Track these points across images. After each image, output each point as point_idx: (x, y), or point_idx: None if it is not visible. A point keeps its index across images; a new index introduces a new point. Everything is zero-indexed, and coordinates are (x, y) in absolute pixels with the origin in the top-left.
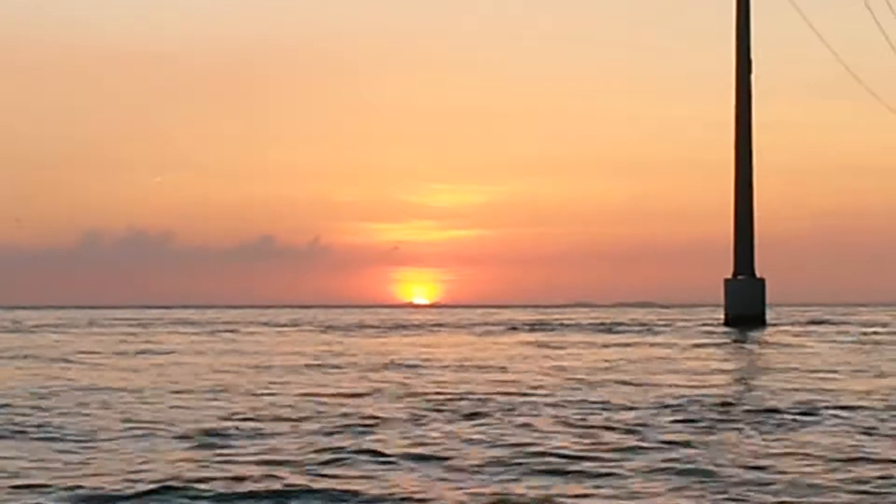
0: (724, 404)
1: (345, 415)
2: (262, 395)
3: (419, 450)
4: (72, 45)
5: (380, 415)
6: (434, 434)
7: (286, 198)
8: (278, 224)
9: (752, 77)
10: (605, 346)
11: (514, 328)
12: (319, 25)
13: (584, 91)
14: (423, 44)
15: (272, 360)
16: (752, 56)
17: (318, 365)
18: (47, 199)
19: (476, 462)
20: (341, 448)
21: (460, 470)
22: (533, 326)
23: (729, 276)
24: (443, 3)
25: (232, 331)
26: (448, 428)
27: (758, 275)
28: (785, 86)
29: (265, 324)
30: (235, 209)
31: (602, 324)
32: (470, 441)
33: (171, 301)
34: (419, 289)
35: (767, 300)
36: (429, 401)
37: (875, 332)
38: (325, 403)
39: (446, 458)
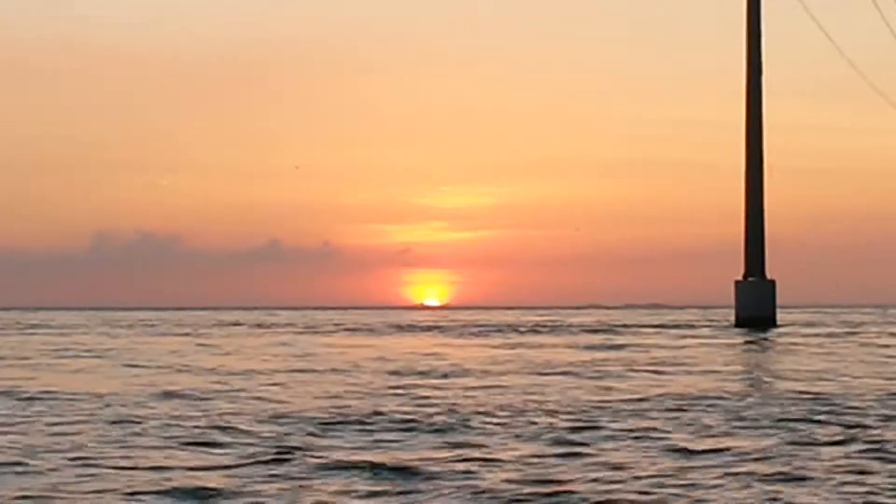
0: (716, 404)
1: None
2: None
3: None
4: (79, 47)
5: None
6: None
7: (295, 200)
8: (288, 226)
9: (763, 78)
10: (612, 346)
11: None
12: (328, 26)
13: (594, 92)
14: (433, 45)
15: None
16: (763, 58)
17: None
18: (56, 201)
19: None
20: None
21: None
22: (534, 328)
23: (739, 277)
24: (454, 3)
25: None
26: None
27: (768, 276)
28: (795, 87)
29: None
30: (244, 211)
31: (609, 325)
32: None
33: (179, 303)
34: (430, 290)
35: (778, 301)
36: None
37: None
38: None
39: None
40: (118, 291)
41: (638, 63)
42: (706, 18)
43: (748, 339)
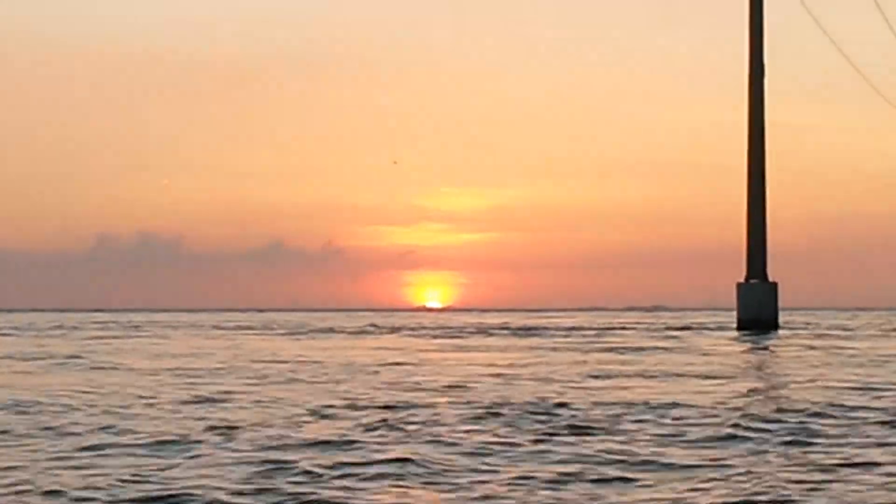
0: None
1: None
2: None
3: None
4: (81, 48)
5: None
6: None
7: (298, 201)
8: (290, 227)
9: (765, 80)
10: (612, 350)
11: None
12: (330, 28)
13: (596, 94)
14: (436, 46)
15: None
16: (765, 59)
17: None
18: (57, 203)
19: None
20: None
21: None
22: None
23: (741, 279)
24: (454, 5)
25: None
26: None
27: (770, 279)
28: (798, 89)
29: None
30: (246, 212)
31: (611, 327)
32: None
33: (182, 305)
34: (432, 292)
35: (780, 304)
36: None
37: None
38: None
39: None
40: (120, 293)
41: (639, 64)
42: (708, 19)
43: (745, 343)
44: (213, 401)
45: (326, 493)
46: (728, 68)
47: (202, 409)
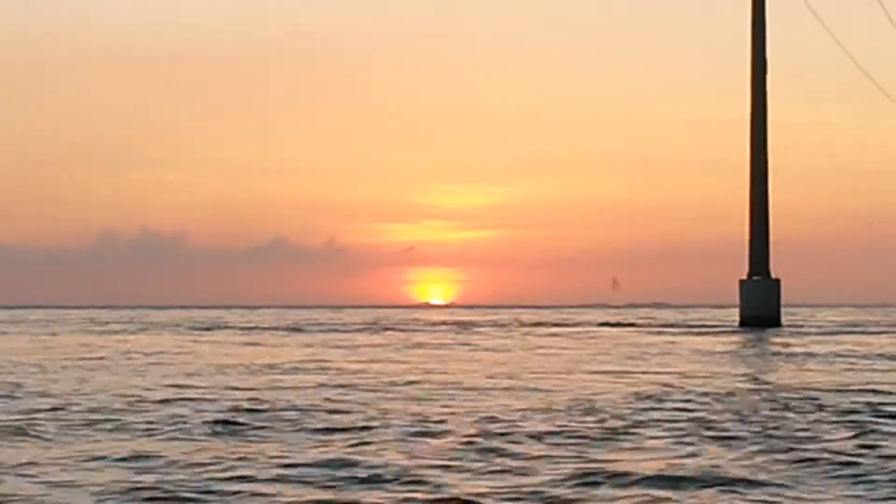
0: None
1: None
2: None
3: None
4: (84, 44)
5: None
6: None
7: (300, 198)
8: (292, 224)
9: (768, 77)
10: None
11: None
12: (334, 24)
13: (598, 90)
14: (439, 43)
15: None
16: (768, 56)
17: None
18: (60, 198)
19: None
20: None
21: None
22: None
23: (744, 276)
24: (456, 3)
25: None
26: None
27: (773, 275)
28: (801, 86)
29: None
30: (249, 209)
31: (617, 324)
32: None
33: (184, 301)
34: (434, 289)
35: (783, 301)
36: None
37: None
38: None
39: None
40: (123, 290)
41: (641, 61)
42: (710, 16)
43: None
44: None
45: None
46: (731, 65)
47: None
